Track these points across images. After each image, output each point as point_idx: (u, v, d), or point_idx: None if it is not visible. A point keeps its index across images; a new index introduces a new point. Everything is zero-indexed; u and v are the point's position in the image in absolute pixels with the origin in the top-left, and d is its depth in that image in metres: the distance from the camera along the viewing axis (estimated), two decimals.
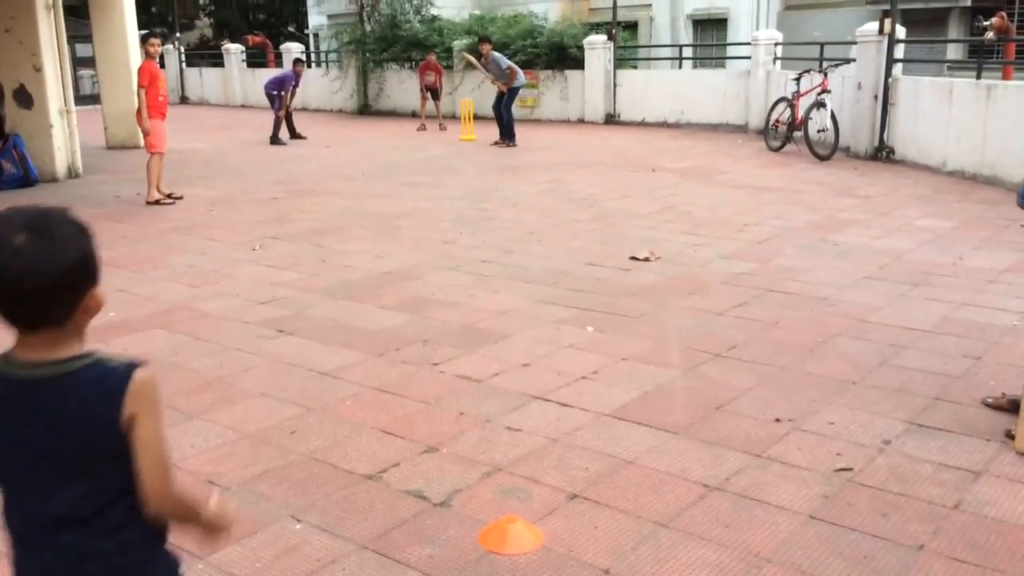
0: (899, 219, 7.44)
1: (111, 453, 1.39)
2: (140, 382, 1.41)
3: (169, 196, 8.82)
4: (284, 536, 2.70)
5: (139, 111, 8.68)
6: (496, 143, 13.51)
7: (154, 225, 7.71)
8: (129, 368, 1.41)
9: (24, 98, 10.40)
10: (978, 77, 9.95)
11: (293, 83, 14.98)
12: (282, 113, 14.64)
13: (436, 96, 16.55)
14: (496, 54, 14.03)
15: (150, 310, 5.13)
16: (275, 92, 14.63)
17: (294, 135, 14.88)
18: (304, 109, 14.43)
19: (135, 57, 13.62)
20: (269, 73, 24.13)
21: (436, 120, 16.55)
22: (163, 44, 26.28)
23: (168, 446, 1.45)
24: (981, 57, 11.33)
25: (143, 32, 9.66)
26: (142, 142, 8.73)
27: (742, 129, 14.71)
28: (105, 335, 4.68)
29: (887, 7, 11.31)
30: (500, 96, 13.68)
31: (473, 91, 17.29)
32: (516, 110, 18.95)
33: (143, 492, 1.41)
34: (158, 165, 8.70)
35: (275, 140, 14.25)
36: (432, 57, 16.60)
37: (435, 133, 15.73)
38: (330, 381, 3.99)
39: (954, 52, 20.17)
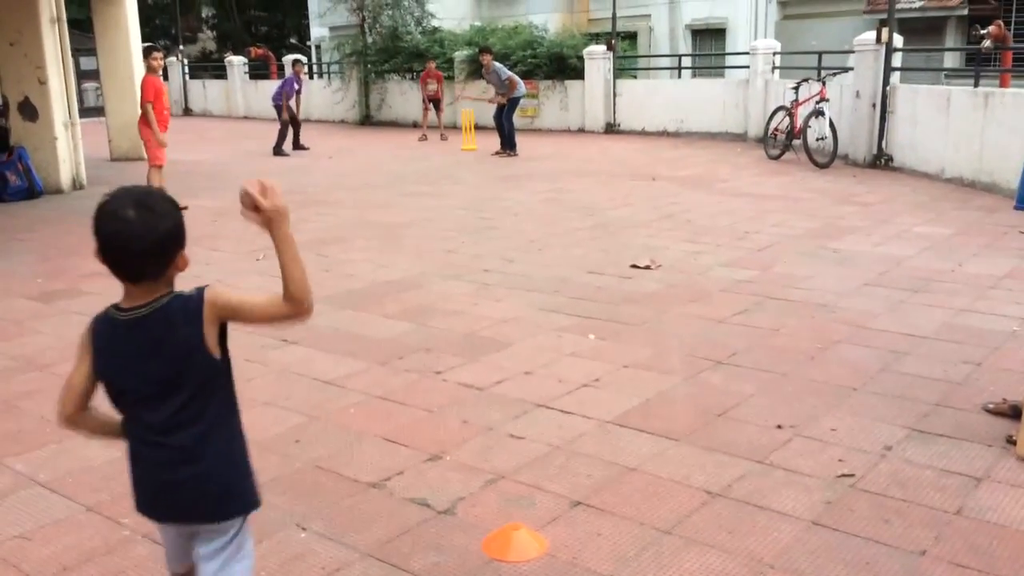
0: (898, 226, 7.47)
1: (196, 366, 1.79)
2: (210, 296, 1.81)
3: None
4: (289, 544, 2.72)
5: (141, 124, 8.73)
6: (497, 153, 13.55)
7: None
8: (200, 292, 1.81)
9: (29, 111, 10.47)
10: (976, 85, 10.00)
11: (296, 87, 14.97)
12: (285, 116, 14.61)
13: (438, 106, 16.59)
14: (497, 64, 14.08)
15: None
16: (279, 103, 14.71)
17: (297, 146, 14.91)
18: (306, 120, 14.46)
19: (139, 70, 13.69)
20: (272, 85, 24.31)
21: (437, 130, 16.58)
22: (166, 57, 26.50)
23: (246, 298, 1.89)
24: (978, 65, 11.40)
25: (146, 45, 9.77)
26: (145, 154, 8.80)
27: (741, 138, 14.76)
28: None
29: (884, 16, 11.38)
30: (500, 107, 13.70)
31: (475, 101, 17.36)
32: (517, 120, 18.99)
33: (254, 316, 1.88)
34: (158, 176, 8.76)
35: (278, 151, 14.31)
36: (432, 65, 16.63)
37: (436, 143, 15.79)
38: (334, 390, 4.01)
39: (951, 60, 20.26)
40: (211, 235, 7.73)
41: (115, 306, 1.87)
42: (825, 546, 2.65)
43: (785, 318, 4.95)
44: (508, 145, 13.58)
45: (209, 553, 1.91)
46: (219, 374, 1.86)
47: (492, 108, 16.40)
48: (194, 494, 1.86)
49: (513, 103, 13.72)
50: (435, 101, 16.54)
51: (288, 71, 22.34)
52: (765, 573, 2.53)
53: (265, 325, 1.92)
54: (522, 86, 14.12)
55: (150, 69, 8.82)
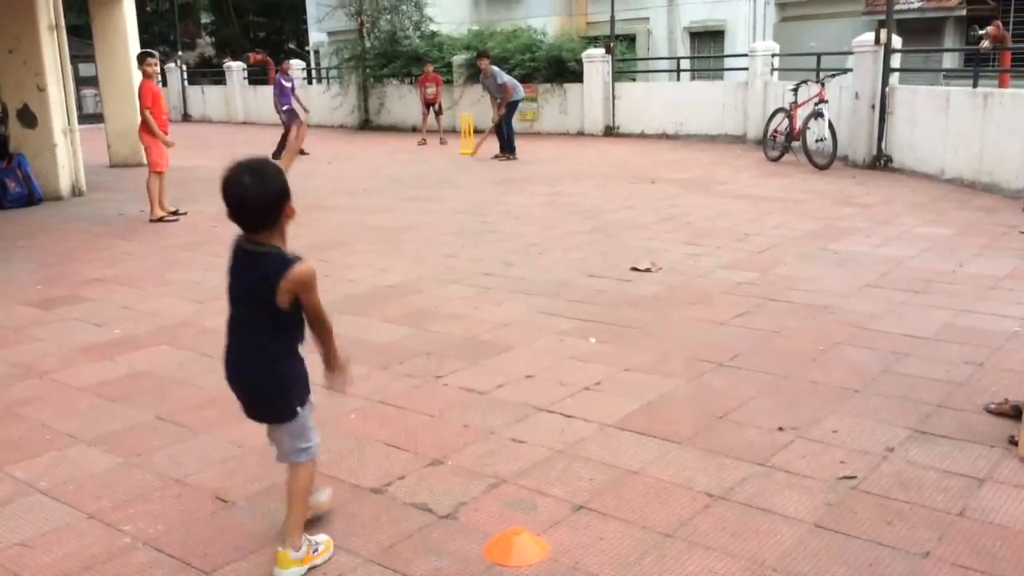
0: (898, 227, 7.46)
1: (267, 298, 2.47)
2: (295, 272, 2.46)
3: (174, 213, 8.85)
4: None
5: (142, 130, 8.71)
6: (497, 156, 13.51)
7: (158, 242, 7.75)
8: (292, 262, 2.47)
9: (28, 118, 10.48)
10: (974, 85, 10.01)
11: (288, 84, 14.85)
12: (301, 121, 14.39)
13: (438, 110, 16.59)
14: (495, 68, 13.94)
15: (155, 326, 5.16)
16: (289, 107, 14.64)
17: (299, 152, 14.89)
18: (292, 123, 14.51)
19: (137, 76, 13.71)
20: (271, 90, 24.32)
21: (437, 134, 16.58)
22: (164, 63, 26.43)
23: (321, 305, 2.59)
24: (977, 66, 11.40)
25: (141, 52, 9.58)
26: (144, 160, 8.75)
27: (740, 140, 14.77)
28: (111, 351, 4.71)
29: (883, 17, 11.38)
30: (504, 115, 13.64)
31: (473, 105, 17.37)
32: (516, 123, 19.00)
33: (311, 326, 2.59)
34: (157, 183, 8.73)
35: (276, 156, 14.30)
36: (430, 68, 16.62)
37: (436, 147, 15.79)
38: (335, 395, 3.97)
39: (950, 61, 20.27)
40: (210, 241, 7.73)
41: (245, 236, 2.56)
42: (827, 548, 2.65)
43: (786, 320, 4.95)
44: (508, 149, 13.55)
45: (270, 430, 2.73)
46: (281, 318, 2.51)
47: (491, 112, 16.43)
48: (248, 381, 2.66)
49: (512, 107, 13.67)
50: (434, 104, 16.53)
51: (293, 73, 22.49)
52: (767, 575, 2.52)
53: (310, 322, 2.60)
54: (520, 89, 14.12)
55: (146, 75, 8.75)
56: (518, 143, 13.75)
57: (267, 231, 2.49)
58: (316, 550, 2.63)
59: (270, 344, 2.56)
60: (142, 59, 8.93)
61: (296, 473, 2.66)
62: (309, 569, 2.59)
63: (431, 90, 16.41)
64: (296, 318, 2.55)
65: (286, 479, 2.68)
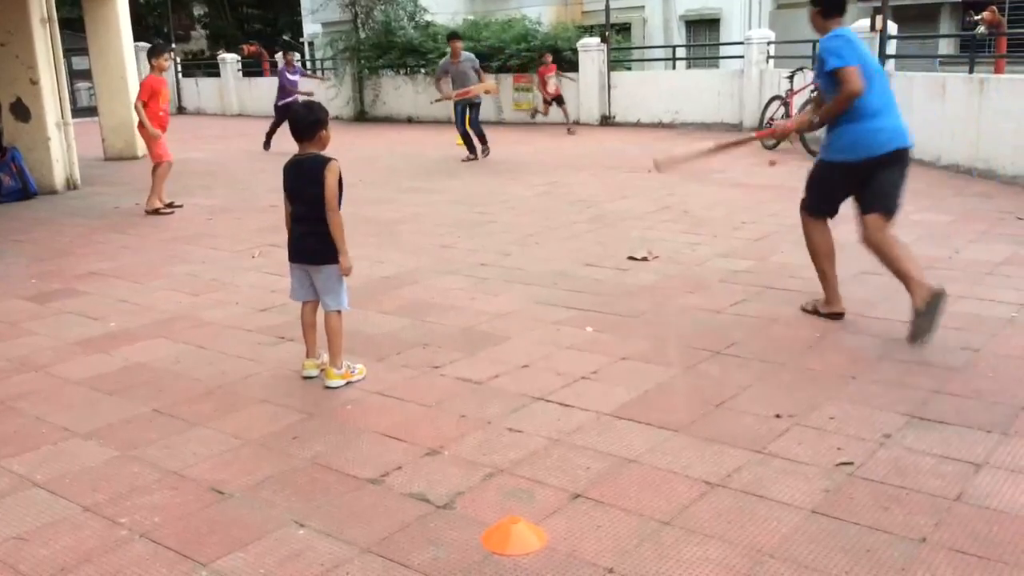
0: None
1: (319, 191, 3.81)
2: (330, 166, 3.85)
3: (169, 206, 8.77)
4: (288, 542, 2.71)
5: (141, 125, 8.58)
6: (469, 158, 12.16)
7: (154, 235, 7.73)
8: (327, 160, 3.85)
9: (21, 111, 10.43)
10: (970, 71, 9.99)
11: (292, 78, 14.08)
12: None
13: (561, 102, 15.52)
14: (468, 54, 12.17)
15: (151, 319, 5.15)
16: (280, 103, 14.02)
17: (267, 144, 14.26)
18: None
19: (131, 69, 13.66)
20: (265, 82, 24.24)
21: (564, 125, 15.55)
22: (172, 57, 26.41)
23: (336, 195, 3.89)
24: (973, 51, 11.38)
25: (157, 43, 9.25)
26: (140, 152, 8.65)
27: (737, 128, 14.74)
28: (107, 345, 4.70)
29: (878, 4, 11.36)
30: (464, 108, 11.99)
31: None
32: (512, 113, 19.01)
33: (326, 208, 3.88)
34: (166, 172, 8.66)
35: (268, 147, 14.09)
36: (548, 58, 15.57)
37: (433, 139, 15.72)
38: (332, 387, 3.99)
39: (946, 47, 20.22)
40: (207, 233, 7.71)
41: (297, 154, 3.94)
42: (825, 534, 2.65)
43: (783, 307, 4.95)
44: (481, 144, 12.25)
45: (320, 280, 4.00)
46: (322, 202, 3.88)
47: (491, 107, 16.10)
48: (310, 250, 3.96)
49: (477, 108, 12.11)
50: (557, 99, 15.60)
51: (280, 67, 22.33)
52: (765, 563, 2.52)
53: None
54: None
55: (157, 69, 8.50)
56: (516, 134, 13.72)
57: (310, 142, 3.91)
58: (353, 371, 4.01)
59: (324, 221, 3.89)
60: (158, 53, 8.64)
61: (330, 320, 3.98)
62: (347, 384, 3.94)
63: (553, 81, 15.49)
64: (335, 195, 3.91)
65: (326, 324, 4.00)
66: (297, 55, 16.81)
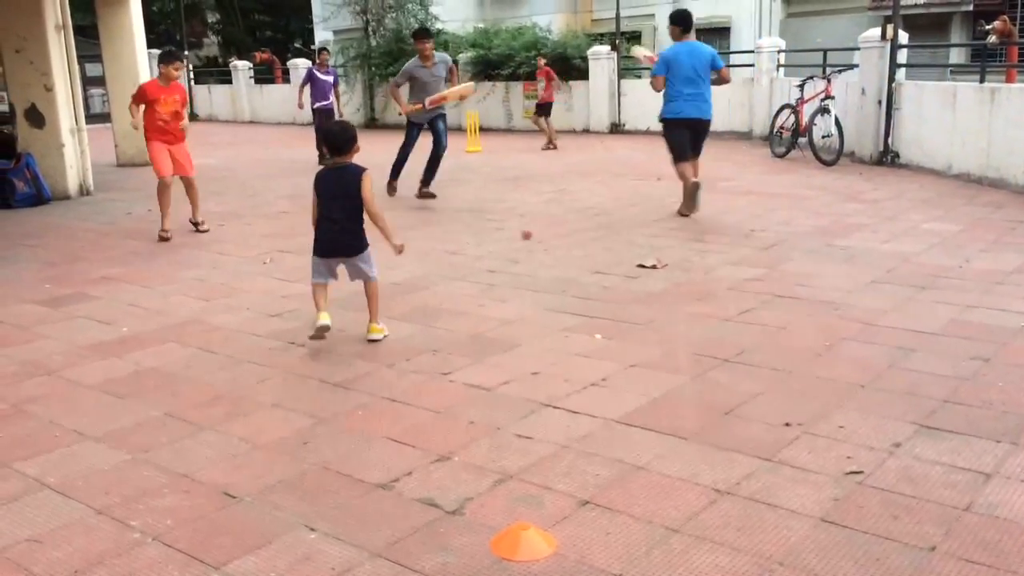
0: (905, 223, 7.45)
1: (356, 195, 4.56)
2: (366, 174, 4.62)
3: (166, 231, 7.70)
4: (298, 545, 2.73)
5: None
6: (423, 193, 9.49)
7: (166, 241, 7.77)
8: (362, 169, 4.63)
9: (35, 118, 10.52)
10: (981, 81, 9.98)
11: (331, 82, 13.47)
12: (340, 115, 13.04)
13: (547, 111, 14.94)
14: (441, 54, 9.49)
15: (162, 324, 5.18)
16: (328, 106, 13.43)
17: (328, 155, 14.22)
18: (311, 124, 14.33)
19: (144, 76, 13.73)
20: (277, 89, 24.37)
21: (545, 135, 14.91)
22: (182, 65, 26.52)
23: (373, 198, 4.66)
24: (984, 61, 11.35)
25: (169, 49, 8.35)
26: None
27: (746, 136, 14.75)
28: (119, 349, 4.73)
29: (889, 12, 11.35)
30: (419, 131, 9.42)
31: (479, 103, 17.37)
32: (521, 120, 18.94)
33: (368, 210, 4.63)
34: (163, 193, 7.74)
35: (323, 160, 13.68)
36: (542, 62, 15.36)
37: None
38: (341, 392, 4.02)
39: (957, 56, 20.18)
40: (218, 239, 7.76)
41: (326, 166, 4.70)
42: (834, 543, 2.65)
43: (792, 316, 4.95)
44: (429, 176, 9.57)
45: (358, 263, 4.69)
46: (358, 203, 4.58)
47: (498, 110, 15.99)
48: (347, 245, 4.64)
49: (443, 118, 9.42)
50: (545, 105, 14.90)
51: (294, 78, 22.29)
52: (774, 570, 2.52)
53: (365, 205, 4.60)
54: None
55: (162, 76, 7.75)
56: (521, 139, 13.67)
57: (344, 156, 4.61)
58: (385, 329, 4.78)
59: (357, 220, 4.61)
60: (165, 60, 7.80)
61: (370, 287, 4.75)
62: (376, 339, 4.70)
63: (542, 85, 14.94)
64: (361, 207, 4.61)
65: (366, 291, 4.77)
66: (299, 62, 16.59)
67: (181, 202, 9.24)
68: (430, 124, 9.33)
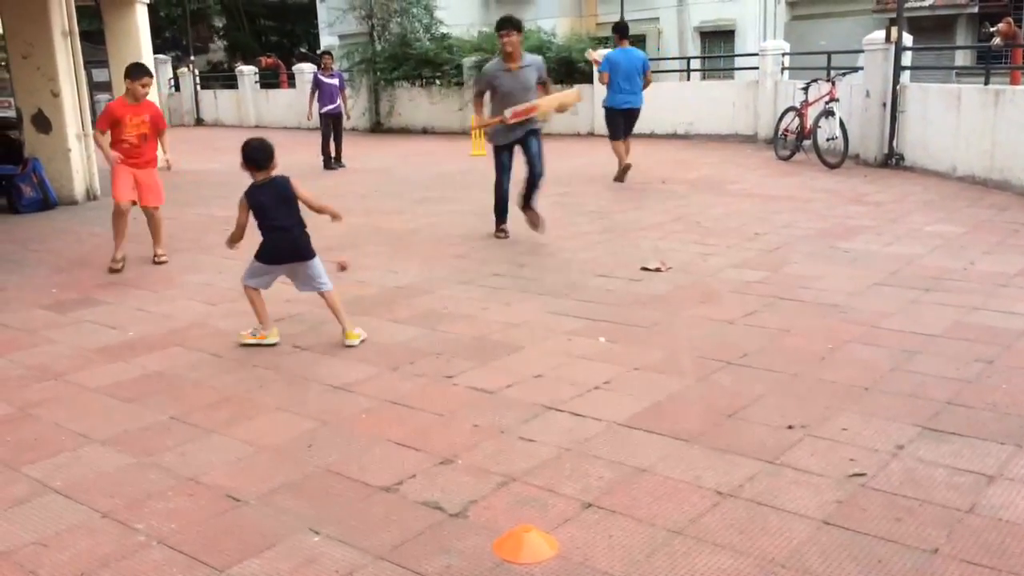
0: (909, 225, 7.44)
1: (294, 199, 4.76)
2: (293, 178, 4.82)
3: (116, 262, 6.77)
4: (302, 548, 2.74)
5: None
6: (529, 214, 7.49)
7: (171, 245, 7.79)
8: (287, 176, 4.82)
9: (42, 123, 10.57)
10: (986, 83, 9.97)
11: (335, 85, 13.51)
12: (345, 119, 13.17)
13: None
14: (532, 56, 7.43)
15: (168, 328, 5.21)
16: (336, 111, 13.57)
17: (333, 160, 13.61)
18: (317, 128, 14.33)
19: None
20: (282, 94, 24.45)
21: None
22: (177, 68, 26.41)
23: (306, 192, 4.89)
24: (989, 63, 11.34)
25: (136, 63, 7.30)
26: (159, 164, 7.48)
27: (751, 139, 14.74)
28: (125, 353, 4.75)
29: (894, 15, 11.35)
30: (523, 142, 7.26)
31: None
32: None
33: (310, 206, 4.86)
34: (118, 220, 6.82)
35: (328, 165, 13.51)
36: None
37: (447, 150, 15.77)
38: (345, 395, 4.03)
39: (962, 58, 20.16)
40: (222, 243, 7.76)
41: (256, 182, 4.75)
42: (836, 545, 2.65)
43: (796, 318, 4.95)
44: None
45: (308, 271, 4.80)
46: (298, 206, 4.79)
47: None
48: (303, 247, 4.77)
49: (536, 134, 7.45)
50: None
51: (299, 83, 22.34)
52: (776, 573, 2.53)
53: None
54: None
55: (128, 93, 6.81)
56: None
57: (266, 170, 4.75)
58: (363, 333, 4.82)
59: (303, 223, 4.79)
60: (132, 75, 6.82)
61: (328, 296, 4.82)
62: (354, 344, 4.72)
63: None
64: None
65: (327, 303, 4.85)
66: (304, 67, 16.53)
67: (201, 206, 9.22)
68: (521, 144, 7.17)
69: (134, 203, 6.96)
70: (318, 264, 4.81)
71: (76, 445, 3.58)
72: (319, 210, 4.86)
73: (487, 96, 7.34)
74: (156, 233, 7.17)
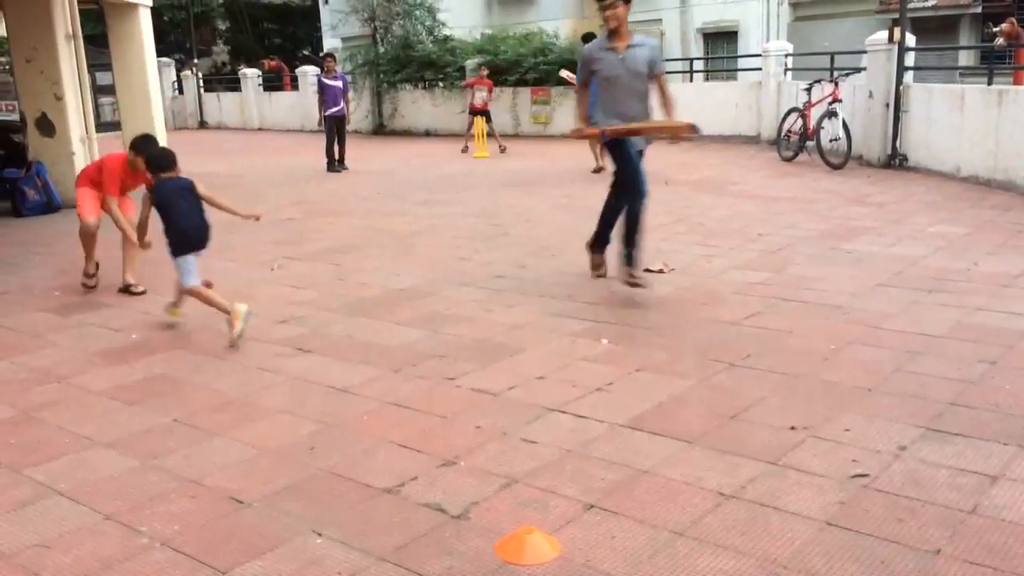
0: (912, 226, 7.43)
1: (198, 198, 5.22)
2: (195, 181, 5.24)
3: (91, 277, 6.37)
4: (305, 550, 2.74)
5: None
6: (630, 278, 5.54)
7: None
8: (189, 178, 5.24)
9: (46, 126, 10.60)
10: (989, 83, 9.96)
11: (339, 87, 13.56)
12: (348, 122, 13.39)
13: (488, 117, 15.15)
14: (643, 37, 5.80)
15: (171, 331, 5.22)
16: (339, 113, 13.57)
17: (337, 162, 13.62)
18: (321, 131, 14.33)
19: (154, 85, 13.82)
20: (285, 96, 24.49)
21: (495, 141, 15.08)
22: (181, 71, 26.43)
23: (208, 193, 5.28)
24: (992, 63, 11.33)
25: (142, 134, 6.42)
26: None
27: (754, 140, 14.73)
28: (128, 356, 4.76)
29: (897, 15, 11.33)
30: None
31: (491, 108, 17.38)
32: (530, 126, 18.86)
33: (214, 204, 5.30)
34: (86, 239, 6.29)
35: (331, 167, 13.51)
36: (484, 72, 15.64)
37: (450, 152, 15.78)
38: (348, 397, 4.04)
39: (965, 59, 20.13)
40: (224, 246, 7.78)
41: (162, 180, 5.12)
42: (839, 546, 2.65)
43: (798, 319, 4.94)
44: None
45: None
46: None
47: (507, 114, 15.92)
48: (207, 236, 5.16)
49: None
50: (485, 112, 15.14)
51: (302, 86, 22.37)
52: (779, 574, 2.53)
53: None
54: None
55: (130, 163, 6.06)
56: (530, 145, 13.67)
57: (173, 171, 5.17)
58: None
59: (204, 216, 5.17)
60: (138, 150, 5.87)
61: (190, 292, 5.15)
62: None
63: (481, 95, 15.14)
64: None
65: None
66: (307, 69, 16.61)
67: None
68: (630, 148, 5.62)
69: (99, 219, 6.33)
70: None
71: (79, 448, 3.59)
72: (229, 211, 5.30)
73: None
74: (129, 257, 6.24)
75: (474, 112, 15.38)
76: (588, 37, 11.42)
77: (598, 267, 5.99)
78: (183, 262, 5.08)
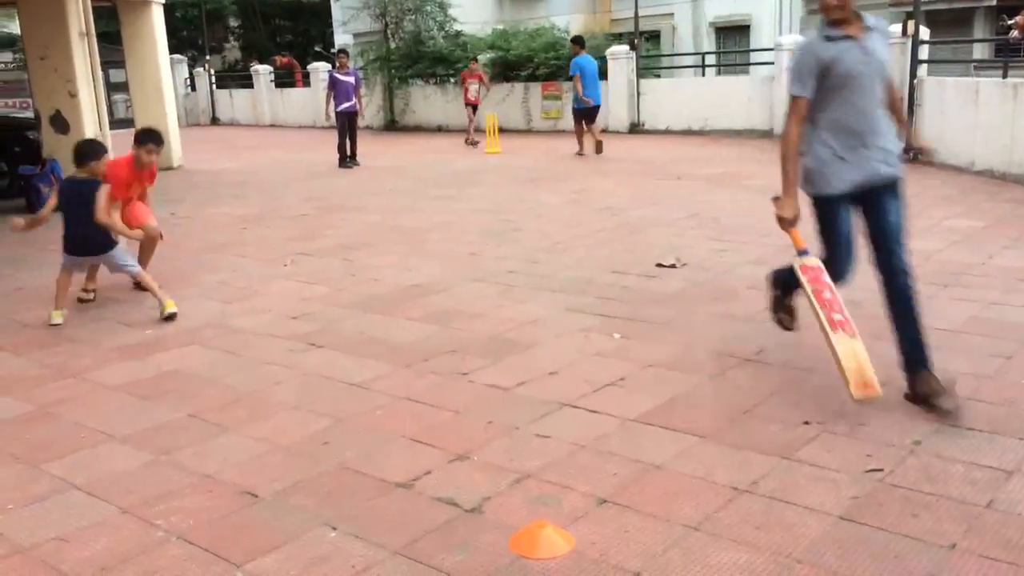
0: (927, 220, 7.38)
1: (92, 200, 5.35)
2: (103, 187, 5.38)
3: (87, 292, 5.98)
4: (319, 544, 2.76)
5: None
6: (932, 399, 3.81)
7: (186, 244, 7.86)
8: (99, 183, 5.38)
9: (60, 124, 10.67)
10: (1004, 76, 9.86)
11: (351, 84, 13.59)
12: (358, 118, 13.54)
13: (475, 109, 15.91)
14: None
15: (184, 327, 5.24)
16: (351, 109, 13.61)
17: (348, 158, 13.62)
18: (332, 127, 14.37)
19: (167, 82, 13.90)
20: (297, 93, 24.55)
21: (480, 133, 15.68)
22: (193, 68, 26.54)
23: (107, 206, 5.42)
24: (1007, 56, 11.23)
25: (146, 128, 6.41)
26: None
27: (767, 135, 14.66)
28: (142, 352, 4.79)
29: (910, 9, 11.24)
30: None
31: (498, 104, 17.40)
32: (541, 121, 18.90)
33: (97, 218, 5.32)
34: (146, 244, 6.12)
35: (343, 163, 13.53)
36: (475, 65, 16.13)
37: (462, 148, 15.80)
38: (360, 392, 4.05)
39: (980, 52, 19.94)
40: (238, 242, 7.83)
41: (70, 176, 5.49)
42: (853, 541, 2.64)
43: (811, 315, 4.90)
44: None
45: (113, 260, 5.50)
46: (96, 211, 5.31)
47: (517, 110, 15.96)
48: (98, 244, 5.40)
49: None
50: (474, 107, 15.84)
51: (314, 82, 22.42)
52: (793, 568, 2.52)
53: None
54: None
55: (140, 161, 5.96)
56: (543, 140, 13.73)
57: (86, 168, 5.33)
58: (174, 305, 5.39)
59: (99, 225, 5.25)
60: (143, 142, 5.95)
61: (142, 277, 5.53)
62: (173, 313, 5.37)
63: (474, 88, 15.70)
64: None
65: (143, 282, 5.61)
66: (319, 65, 16.74)
67: (216, 204, 9.32)
68: (868, 199, 4.05)
69: None
70: (119, 252, 5.44)
71: (95, 442, 3.61)
72: (112, 229, 5.36)
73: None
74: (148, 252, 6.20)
75: (468, 104, 15.88)
76: (576, 39, 11.77)
77: (787, 317, 4.44)
78: (65, 259, 5.43)
